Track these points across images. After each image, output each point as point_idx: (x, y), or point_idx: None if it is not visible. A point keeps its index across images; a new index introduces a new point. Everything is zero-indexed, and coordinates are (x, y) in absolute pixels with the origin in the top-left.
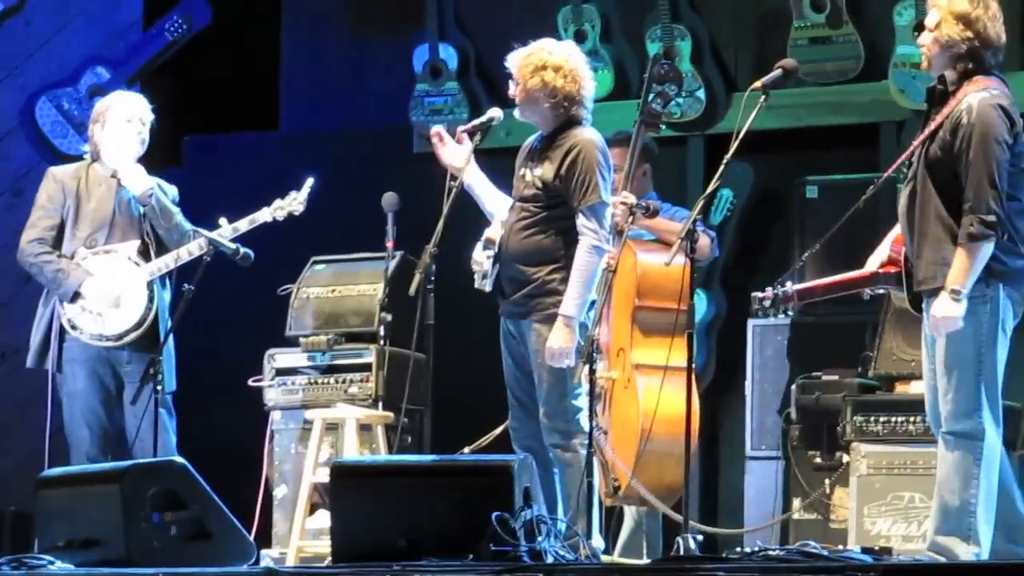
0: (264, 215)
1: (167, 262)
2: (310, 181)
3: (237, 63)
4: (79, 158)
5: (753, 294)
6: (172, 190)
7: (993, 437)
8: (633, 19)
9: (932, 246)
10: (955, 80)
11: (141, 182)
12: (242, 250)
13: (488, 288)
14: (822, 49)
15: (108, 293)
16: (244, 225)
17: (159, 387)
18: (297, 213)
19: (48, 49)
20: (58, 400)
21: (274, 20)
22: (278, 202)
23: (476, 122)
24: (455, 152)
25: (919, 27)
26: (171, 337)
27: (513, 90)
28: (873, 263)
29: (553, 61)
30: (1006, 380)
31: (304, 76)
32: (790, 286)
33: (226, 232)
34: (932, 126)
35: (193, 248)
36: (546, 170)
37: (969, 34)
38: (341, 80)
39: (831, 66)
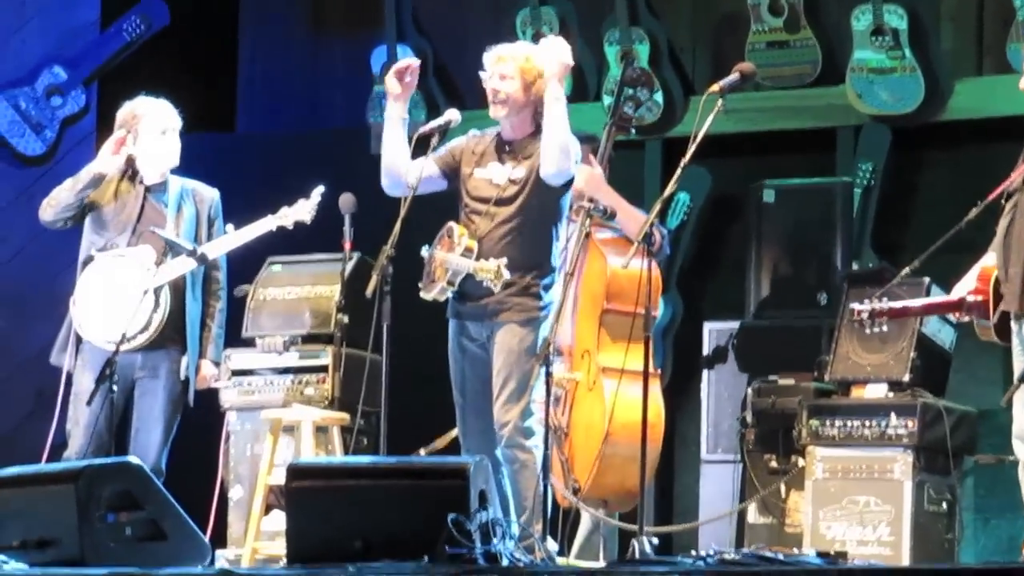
0: (269, 223)
1: (168, 272)
2: (320, 189)
3: (194, 64)
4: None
5: (851, 305)
6: (209, 195)
7: None
8: (591, 22)
9: None
10: None
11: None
12: (199, 250)
13: (445, 296)
14: (780, 53)
15: (111, 296)
16: (249, 234)
17: (114, 387)
18: (307, 222)
19: (5, 49)
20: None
21: (231, 21)
22: (285, 210)
23: (434, 124)
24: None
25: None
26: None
27: (504, 89)
28: (960, 290)
29: (541, 68)
30: (960, 387)
31: (261, 77)
32: (885, 302)
33: (231, 241)
34: None
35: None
36: (531, 171)
37: None
38: (298, 81)
39: (788, 70)
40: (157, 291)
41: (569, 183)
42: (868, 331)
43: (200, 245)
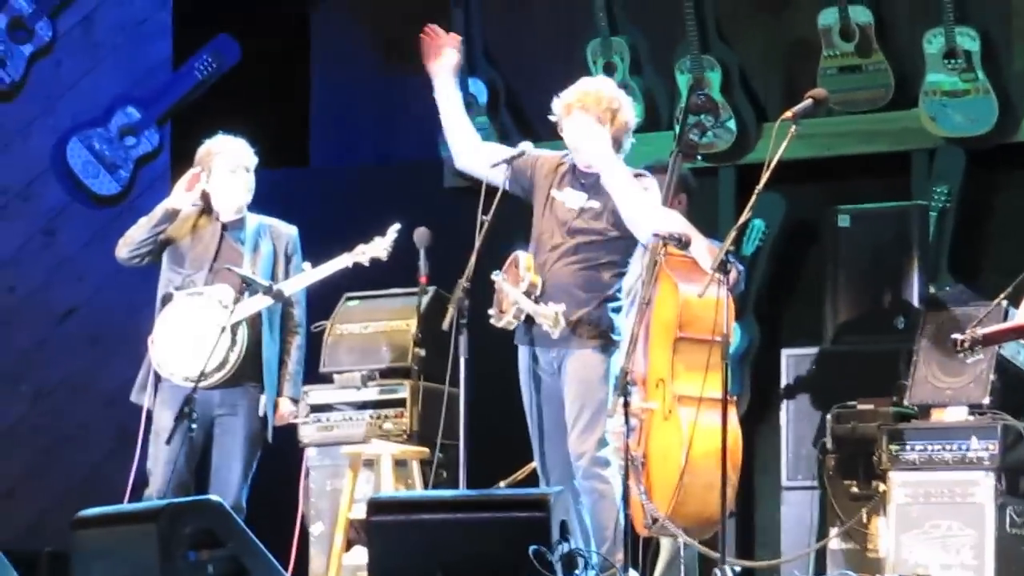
0: (345, 260)
1: (245, 309)
2: (396, 227)
3: (267, 100)
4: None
5: (953, 336)
6: (287, 232)
7: None
8: (662, 50)
9: None
10: None
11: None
12: (275, 287)
13: (513, 327)
14: (852, 78)
15: (188, 334)
16: (325, 271)
17: (193, 425)
18: (383, 258)
19: (78, 89)
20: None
21: (303, 55)
22: (361, 247)
23: (507, 156)
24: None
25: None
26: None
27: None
28: None
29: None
30: None
31: (334, 111)
32: (979, 331)
33: (308, 278)
34: None
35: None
36: (608, 204)
37: None
38: (371, 115)
39: (861, 95)
40: (234, 328)
41: None
42: (969, 360)
43: (277, 282)
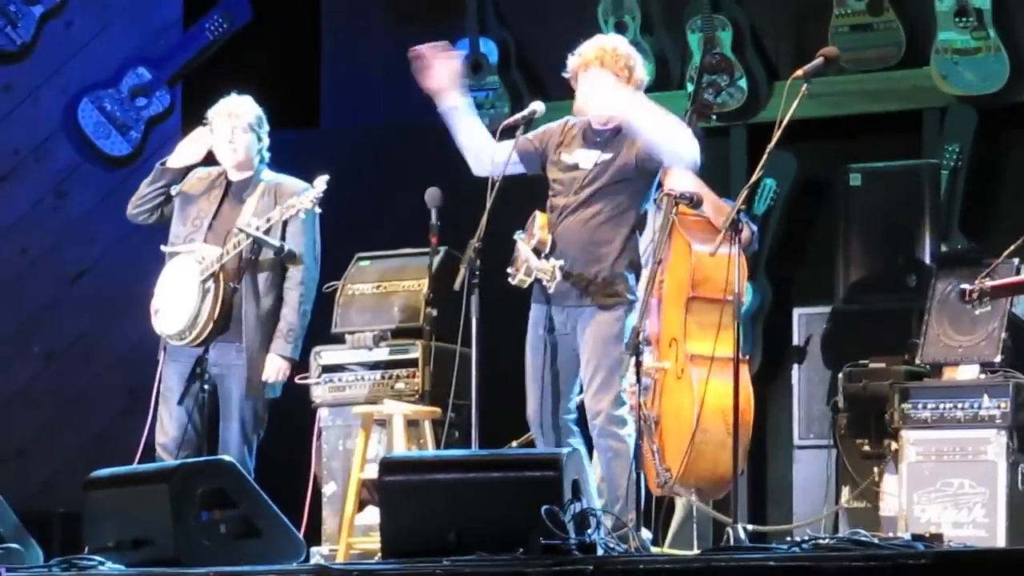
0: (275, 214)
1: (213, 260)
2: (324, 177)
3: (277, 60)
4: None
5: (962, 286)
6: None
7: None
8: (673, 10)
9: None
10: None
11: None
12: (287, 247)
13: (526, 286)
14: (863, 36)
15: (173, 292)
16: (261, 223)
17: (205, 386)
18: (309, 208)
19: (89, 50)
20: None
21: (314, 17)
22: (292, 200)
23: (518, 116)
24: (442, 73)
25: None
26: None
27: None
28: None
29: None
30: None
31: (344, 72)
32: (987, 282)
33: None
34: None
35: (230, 247)
36: (622, 157)
37: None
38: (382, 75)
39: (872, 53)
40: (216, 286)
41: (656, 171)
42: (977, 311)
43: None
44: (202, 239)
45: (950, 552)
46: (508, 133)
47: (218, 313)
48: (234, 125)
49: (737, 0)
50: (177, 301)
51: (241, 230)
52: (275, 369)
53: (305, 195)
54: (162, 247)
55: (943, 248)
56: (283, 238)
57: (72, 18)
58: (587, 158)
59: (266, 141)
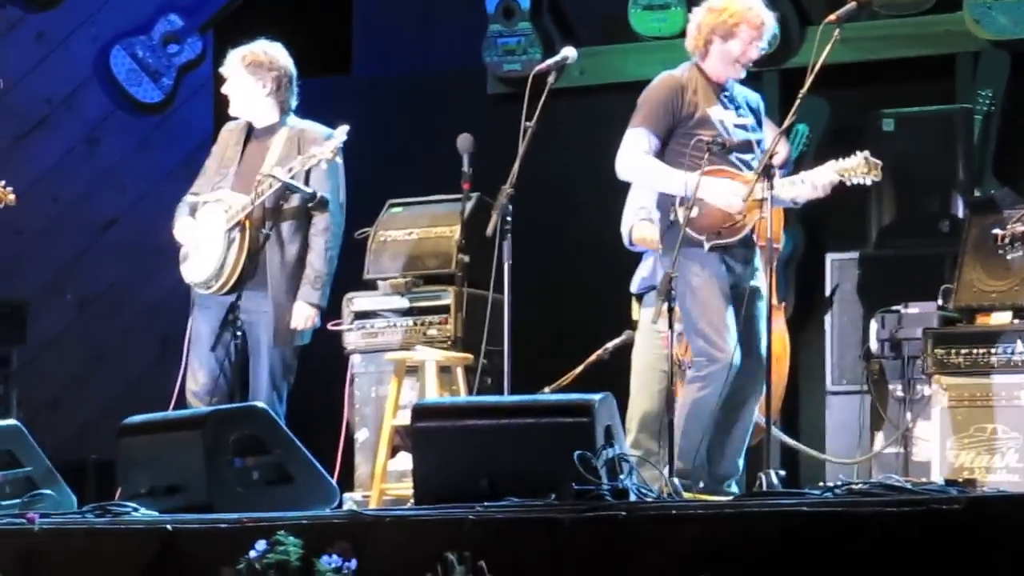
0: (297, 164)
1: (239, 209)
2: (345, 128)
3: (308, 8)
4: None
5: (994, 231)
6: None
7: None
8: None
9: None
10: None
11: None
12: (319, 194)
13: None
14: None
15: (199, 240)
16: (283, 175)
17: (238, 333)
18: (331, 159)
19: None
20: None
21: None
22: (314, 149)
23: (551, 61)
24: None
25: None
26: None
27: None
28: None
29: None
30: None
31: (376, 20)
32: (1020, 227)
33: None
34: None
35: (259, 192)
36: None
37: None
38: (413, 22)
39: None
40: (241, 235)
41: None
42: (1009, 256)
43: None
44: (229, 187)
45: (984, 497)
46: (540, 79)
47: (244, 261)
48: (227, 75)
49: None
50: (203, 250)
51: (271, 175)
52: (303, 316)
53: (327, 145)
54: (188, 197)
55: (976, 193)
56: (307, 185)
57: None
58: (734, 118)
59: (274, 85)
